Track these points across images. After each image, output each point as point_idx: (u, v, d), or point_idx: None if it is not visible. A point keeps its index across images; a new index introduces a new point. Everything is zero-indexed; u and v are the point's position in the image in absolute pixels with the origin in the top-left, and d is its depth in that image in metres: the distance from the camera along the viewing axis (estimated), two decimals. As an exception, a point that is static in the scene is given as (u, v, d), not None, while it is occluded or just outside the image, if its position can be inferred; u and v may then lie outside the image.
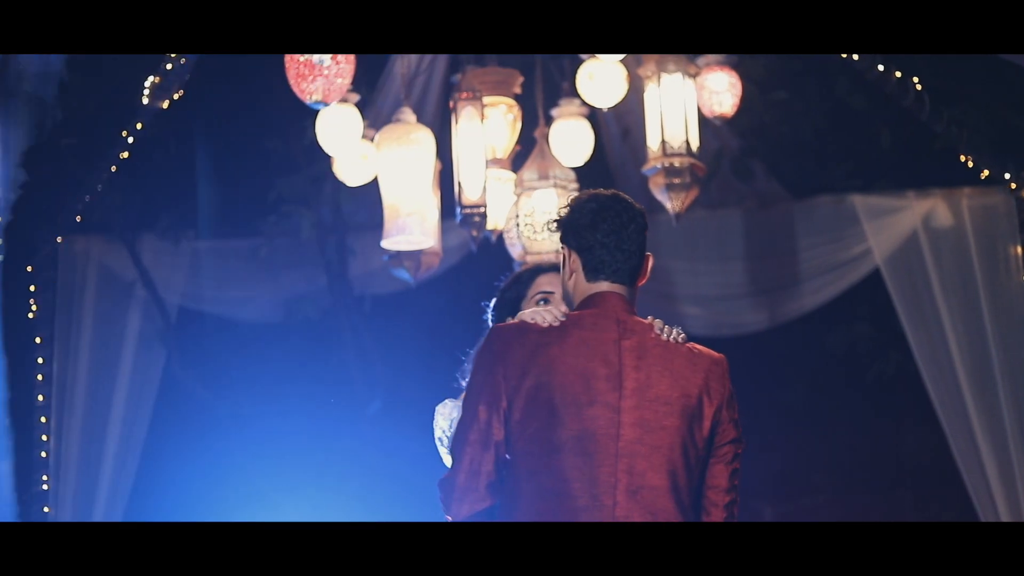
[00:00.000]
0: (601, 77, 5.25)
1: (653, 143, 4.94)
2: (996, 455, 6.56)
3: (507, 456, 3.10)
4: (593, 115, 6.18)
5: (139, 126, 6.40)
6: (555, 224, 3.30)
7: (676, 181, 4.85)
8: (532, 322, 3.17)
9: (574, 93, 5.52)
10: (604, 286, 3.22)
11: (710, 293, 7.14)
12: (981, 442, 6.59)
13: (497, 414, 3.09)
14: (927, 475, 7.58)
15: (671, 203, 4.84)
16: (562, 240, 3.27)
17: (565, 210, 3.30)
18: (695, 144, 4.95)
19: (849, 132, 7.23)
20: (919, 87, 6.33)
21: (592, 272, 3.22)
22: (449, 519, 3.10)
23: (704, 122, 5.80)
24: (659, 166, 4.88)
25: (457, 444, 3.12)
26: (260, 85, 6.27)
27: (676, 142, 4.91)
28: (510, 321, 3.26)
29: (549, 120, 5.63)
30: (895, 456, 7.96)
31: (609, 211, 3.24)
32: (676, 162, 4.86)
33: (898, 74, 6.28)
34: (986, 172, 6.59)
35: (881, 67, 6.23)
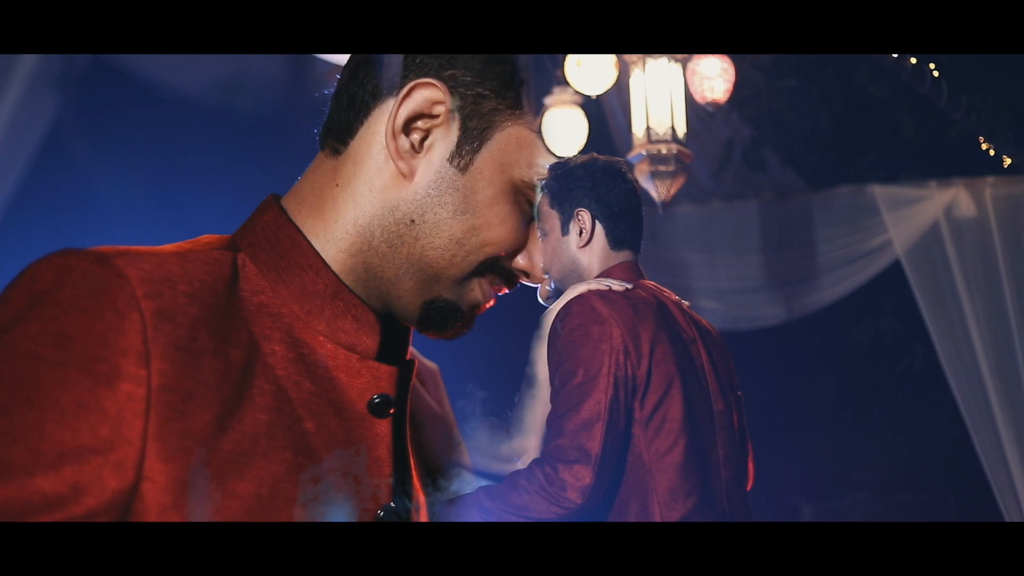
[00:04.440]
0: (589, 64, 5.13)
1: (638, 130, 4.83)
2: (1020, 452, 6.37)
3: (631, 430, 2.81)
4: (599, 105, 6.08)
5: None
6: (563, 188, 3.07)
7: (661, 168, 4.72)
8: (606, 289, 2.90)
9: (567, 81, 5.40)
10: (627, 255, 3.10)
11: (727, 286, 7.00)
12: (1005, 439, 6.41)
13: (626, 388, 2.77)
14: (964, 472, 7.41)
15: (656, 191, 4.71)
16: (573, 204, 3.05)
17: (559, 170, 3.08)
18: (681, 130, 4.83)
19: (869, 121, 7.07)
20: (936, 73, 6.16)
21: (617, 241, 3.08)
22: (553, 512, 2.72)
23: (706, 111, 5.68)
24: (643, 153, 4.76)
25: (575, 425, 2.72)
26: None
27: (661, 128, 4.79)
28: (583, 289, 2.90)
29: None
30: (932, 453, 7.79)
31: (624, 175, 3.10)
32: (662, 149, 4.74)
33: (913, 60, 6.11)
34: (1008, 160, 6.39)
35: (895, 54, 6.06)
